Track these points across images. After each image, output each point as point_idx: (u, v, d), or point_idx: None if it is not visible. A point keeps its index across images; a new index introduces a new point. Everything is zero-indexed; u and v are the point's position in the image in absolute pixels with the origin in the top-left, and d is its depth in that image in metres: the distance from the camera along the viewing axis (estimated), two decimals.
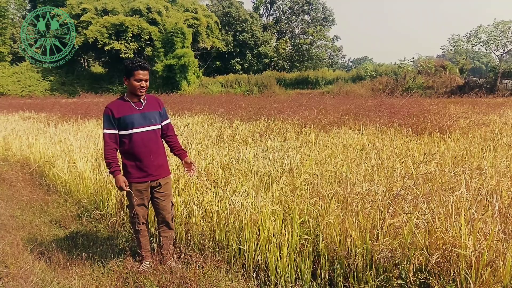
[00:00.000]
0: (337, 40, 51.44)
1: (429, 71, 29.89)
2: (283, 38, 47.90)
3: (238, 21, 42.86)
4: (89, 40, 32.15)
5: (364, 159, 4.72)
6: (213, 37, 39.98)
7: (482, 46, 33.84)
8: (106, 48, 32.92)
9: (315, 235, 2.96)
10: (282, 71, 42.81)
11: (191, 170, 3.07)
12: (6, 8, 35.07)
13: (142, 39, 34.41)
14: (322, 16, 48.92)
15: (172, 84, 32.14)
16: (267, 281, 2.81)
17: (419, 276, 2.40)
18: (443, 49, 38.71)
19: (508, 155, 4.88)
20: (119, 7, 35.02)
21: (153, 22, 35.07)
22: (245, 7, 45.81)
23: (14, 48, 37.31)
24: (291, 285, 2.73)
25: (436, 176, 3.75)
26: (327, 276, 2.74)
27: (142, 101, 2.91)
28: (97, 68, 41.74)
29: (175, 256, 3.09)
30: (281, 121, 8.69)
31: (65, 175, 5.26)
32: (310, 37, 46.19)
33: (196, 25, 36.78)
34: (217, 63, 42.72)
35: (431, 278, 2.38)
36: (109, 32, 32.99)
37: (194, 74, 34.46)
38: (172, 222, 3.09)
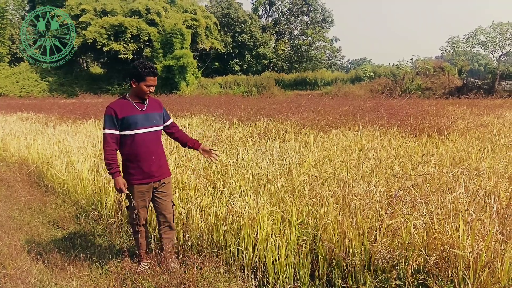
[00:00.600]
0: (336, 41, 51.61)
1: (427, 72, 29.96)
2: (282, 39, 47.98)
3: (237, 22, 42.88)
4: (88, 41, 32.14)
5: (363, 160, 4.72)
6: (212, 38, 40.02)
7: (481, 48, 34.08)
8: (105, 48, 32.94)
9: (314, 236, 2.96)
10: (281, 72, 42.88)
11: (213, 156, 3.09)
12: (5, 8, 35.09)
13: (141, 40, 34.40)
14: (321, 17, 49.01)
15: (171, 85, 32.12)
16: (265, 282, 2.81)
17: (417, 277, 2.40)
18: (441, 50, 39.00)
19: (506, 156, 4.89)
20: (118, 8, 35.01)
21: (152, 23, 35.08)
22: (244, 8, 45.90)
23: (13, 48, 37.29)
24: (289, 286, 2.73)
25: (434, 177, 3.76)
26: (325, 277, 2.74)
27: (145, 103, 2.93)
28: (96, 69, 41.72)
29: (173, 257, 3.09)
30: (279, 122, 8.69)
31: (63, 175, 5.25)
32: (309, 38, 46.27)
33: (195, 26, 36.81)
34: (216, 64, 42.72)
35: (429, 279, 2.38)
36: (108, 33, 32.97)
37: (193, 75, 34.50)
38: (173, 222, 3.10)
